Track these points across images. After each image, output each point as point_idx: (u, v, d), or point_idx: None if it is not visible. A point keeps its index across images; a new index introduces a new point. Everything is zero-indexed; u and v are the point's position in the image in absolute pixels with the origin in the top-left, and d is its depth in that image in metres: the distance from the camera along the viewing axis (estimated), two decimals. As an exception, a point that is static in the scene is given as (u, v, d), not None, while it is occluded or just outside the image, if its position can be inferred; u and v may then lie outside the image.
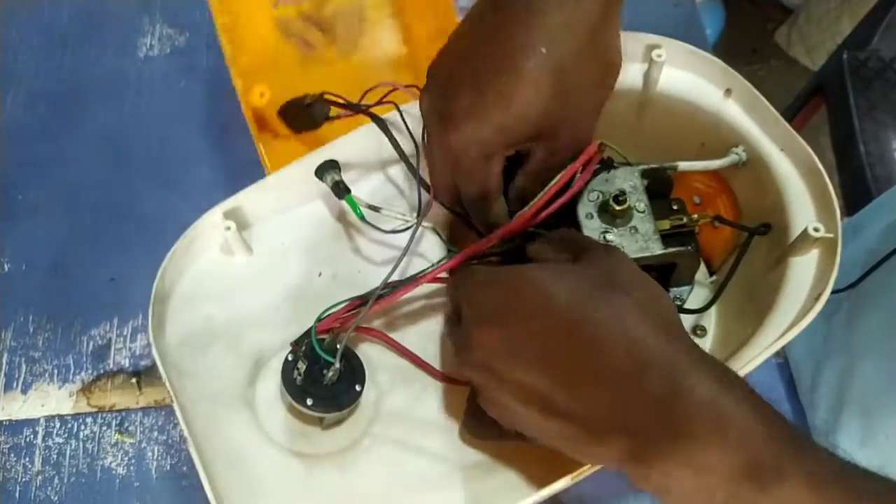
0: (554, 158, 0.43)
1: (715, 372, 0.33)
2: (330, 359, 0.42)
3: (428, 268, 0.45)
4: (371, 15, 0.64)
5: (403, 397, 0.46)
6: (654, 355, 0.33)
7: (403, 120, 0.49)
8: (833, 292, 0.42)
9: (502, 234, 0.44)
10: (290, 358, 0.44)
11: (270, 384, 0.46)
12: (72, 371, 0.61)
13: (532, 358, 0.35)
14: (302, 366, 0.43)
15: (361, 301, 0.45)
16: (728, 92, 0.50)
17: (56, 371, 0.61)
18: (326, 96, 0.50)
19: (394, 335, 0.47)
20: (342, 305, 0.45)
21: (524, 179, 0.44)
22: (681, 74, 0.50)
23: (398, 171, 0.51)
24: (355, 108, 0.49)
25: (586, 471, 0.38)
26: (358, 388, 0.44)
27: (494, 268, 0.41)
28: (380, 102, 0.49)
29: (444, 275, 0.45)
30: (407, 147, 0.49)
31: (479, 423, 0.42)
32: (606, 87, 0.43)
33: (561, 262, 0.39)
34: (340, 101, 0.50)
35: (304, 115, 0.53)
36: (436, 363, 0.46)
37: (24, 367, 0.61)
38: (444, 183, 0.46)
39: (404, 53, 0.66)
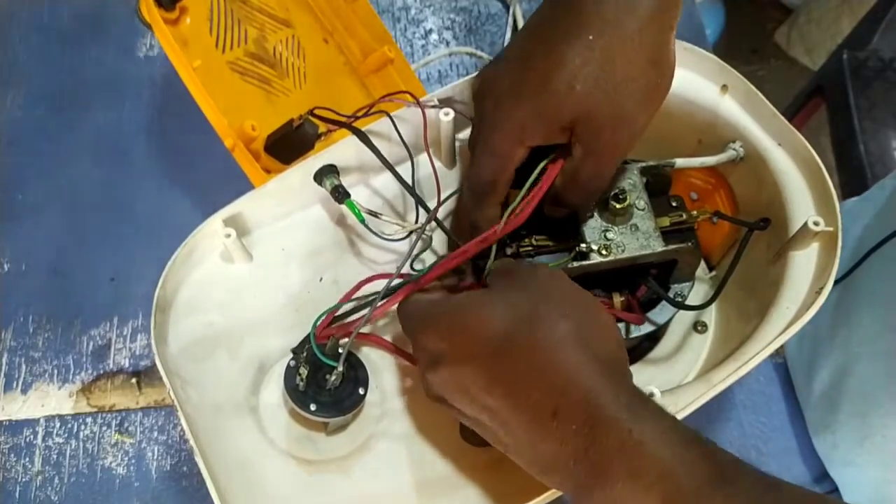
0: (593, 161, 0.42)
1: (633, 406, 0.33)
2: (332, 363, 0.42)
3: (424, 270, 0.45)
4: (307, 44, 0.67)
5: (407, 400, 0.46)
6: (572, 396, 0.34)
7: (395, 127, 0.49)
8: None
9: (481, 244, 0.43)
10: (291, 364, 0.44)
11: (274, 390, 0.45)
12: (72, 371, 0.61)
13: (473, 395, 0.36)
14: (304, 371, 0.43)
15: (357, 289, 0.45)
16: (724, 88, 0.50)
17: (56, 371, 0.61)
18: (317, 111, 0.50)
19: (390, 338, 0.47)
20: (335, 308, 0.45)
21: (562, 178, 0.43)
22: (677, 71, 0.50)
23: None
24: (341, 124, 0.49)
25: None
26: (361, 391, 0.44)
27: (432, 304, 0.40)
28: (367, 113, 0.49)
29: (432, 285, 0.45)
30: (401, 154, 0.49)
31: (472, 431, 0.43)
32: (656, 88, 0.41)
33: (491, 292, 0.39)
34: (330, 115, 0.50)
35: (294, 141, 0.53)
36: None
37: (24, 367, 0.61)
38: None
39: (348, 69, 0.69)
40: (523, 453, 0.36)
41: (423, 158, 0.50)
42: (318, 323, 0.44)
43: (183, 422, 0.40)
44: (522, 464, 0.36)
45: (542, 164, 0.43)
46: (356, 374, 0.45)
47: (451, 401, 0.38)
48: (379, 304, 0.43)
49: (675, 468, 0.32)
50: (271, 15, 0.65)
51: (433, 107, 0.49)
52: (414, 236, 0.48)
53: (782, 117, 0.47)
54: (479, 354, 0.36)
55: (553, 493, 0.39)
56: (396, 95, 0.50)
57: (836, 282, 0.56)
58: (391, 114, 0.49)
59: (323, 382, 0.43)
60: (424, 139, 0.49)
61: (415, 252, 0.50)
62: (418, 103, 0.49)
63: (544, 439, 0.34)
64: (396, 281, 0.44)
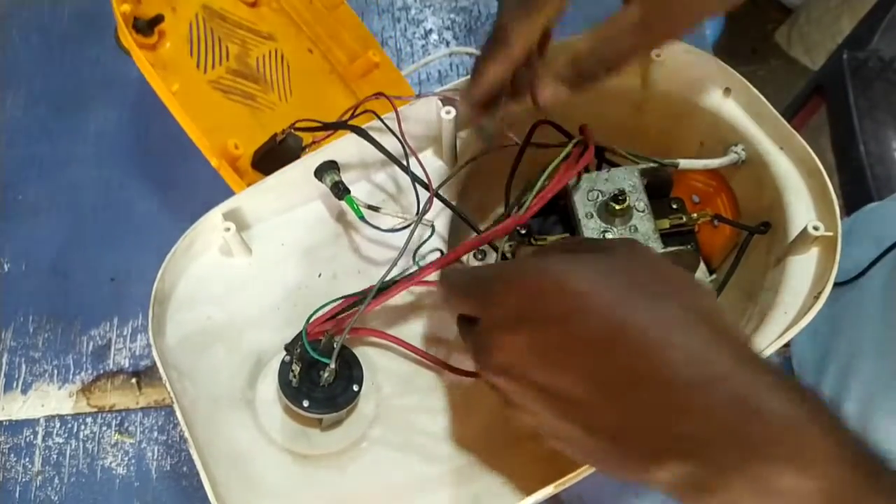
0: (637, 30, 0.38)
1: (786, 387, 0.29)
2: (324, 360, 0.42)
3: (416, 267, 0.45)
4: (290, 55, 0.66)
5: (402, 397, 0.46)
6: (717, 368, 0.29)
7: (385, 125, 0.49)
8: (837, 284, 0.41)
9: (495, 234, 0.43)
10: (286, 360, 0.44)
11: (270, 385, 0.45)
12: (72, 371, 0.61)
13: (567, 363, 0.31)
14: (297, 368, 0.43)
15: (353, 300, 0.44)
16: (727, 91, 0.50)
17: (56, 371, 0.61)
18: (299, 124, 0.50)
19: (391, 332, 0.47)
20: (332, 305, 0.45)
21: (590, 39, 0.39)
22: (679, 74, 0.50)
23: (396, 171, 0.51)
24: (332, 126, 0.49)
25: (584, 471, 0.38)
26: (355, 388, 0.44)
27: (507, 262, 0.37)
28: (353, 115, 0.49)
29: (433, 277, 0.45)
30: (399, 151, 0.49)
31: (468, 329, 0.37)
32: None
33: (583, 252, 0.33)
34: (314, 125, 0.49)
35: (279, 155, 0.53)
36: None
37: (24, 367, 0.61)
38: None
39: (335, 77, 0.69)
40: (634, 436, 0.30)
41: (424, 157, 0.50)
42: (312, 320, 0.44)
43: (179, 414, 0.41)
44: (618, 450, 0.31)
45: (557, 160, 0.44)
46: (350, 371, 0.44)
47: (524, 369, 0.32)
48: (374, 296, 0.43)
49: (839, 452, 0.28)
50: (252, 30, 0.65)
51: (425, 96, 0.49)
52: (413, 227, 0.48)
53: (784, 121, 0.48)
54: (588, 318, 0.30)
55: (545, 493, 0.39)
56: (379, 98, 0.49)
57: (853, 279, 0.56)
58: (377, 113, 0.48)
59: (317, 379, 0.43)
60: (398, 124, 0.48)
61: (417, 241, 0.49)
62: (389, 99, 0.48)
63: (683, 411, 0.29)
64: (393, 274, 0.44)
